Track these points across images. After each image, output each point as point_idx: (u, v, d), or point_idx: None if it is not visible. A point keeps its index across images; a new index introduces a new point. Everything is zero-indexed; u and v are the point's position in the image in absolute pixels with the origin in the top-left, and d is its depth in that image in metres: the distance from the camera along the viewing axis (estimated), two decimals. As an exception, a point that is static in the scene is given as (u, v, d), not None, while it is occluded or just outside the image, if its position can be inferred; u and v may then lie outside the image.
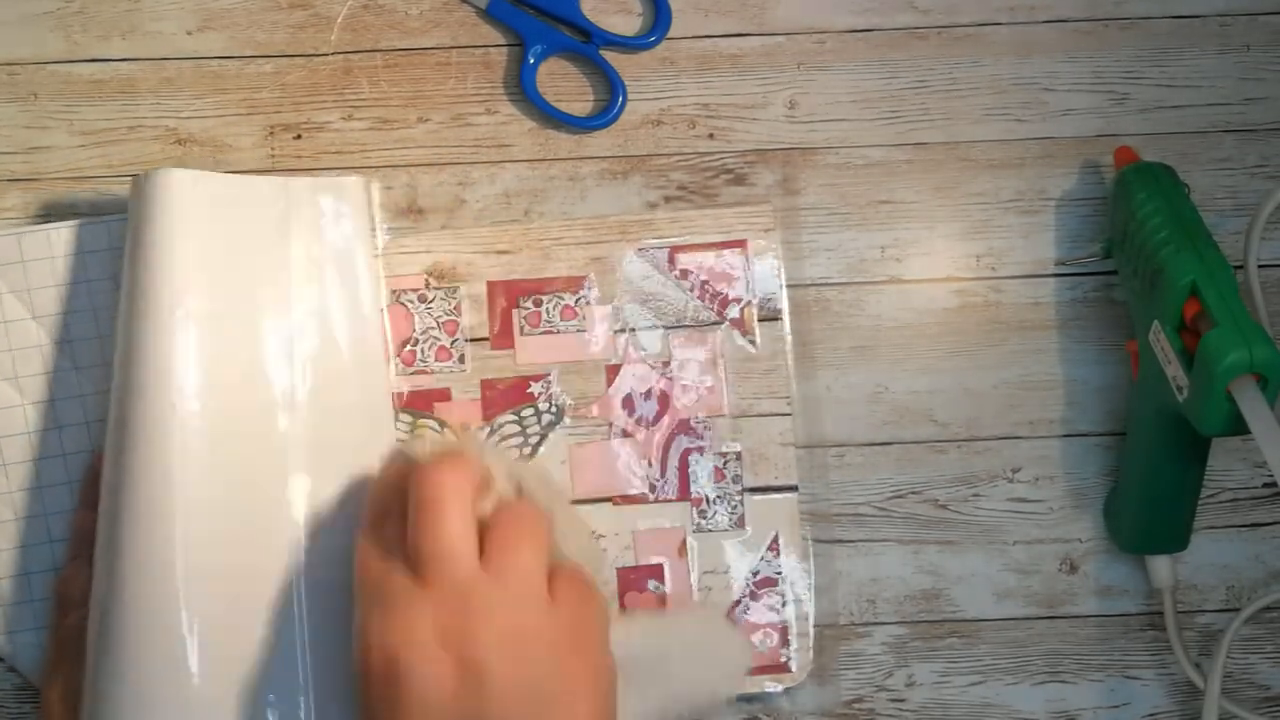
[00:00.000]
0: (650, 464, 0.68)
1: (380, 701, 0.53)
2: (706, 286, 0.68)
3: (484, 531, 0.55)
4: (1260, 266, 0.69)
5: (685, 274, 0.68)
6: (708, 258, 0.68)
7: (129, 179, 0.69)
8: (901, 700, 0.69)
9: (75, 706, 0.60)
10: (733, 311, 0.68)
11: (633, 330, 0.68)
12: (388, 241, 0.68)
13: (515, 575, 0.54)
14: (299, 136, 0.70)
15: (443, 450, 0.58)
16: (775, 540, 0.67)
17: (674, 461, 0.68)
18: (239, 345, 0.63)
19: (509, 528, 0.55)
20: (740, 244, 0.68)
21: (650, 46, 0.70)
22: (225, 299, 0.62)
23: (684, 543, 0.67)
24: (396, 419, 0.67)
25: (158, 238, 0.61)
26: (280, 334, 0.64)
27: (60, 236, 0.67)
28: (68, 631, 0.62)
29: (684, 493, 0.68)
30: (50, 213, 0.69)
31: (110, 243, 0.67)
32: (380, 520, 0.57)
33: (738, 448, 0.68)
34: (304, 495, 0.63)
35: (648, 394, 0.68)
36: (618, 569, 0.67)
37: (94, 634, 0.59)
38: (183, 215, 0.62)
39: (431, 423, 0.68)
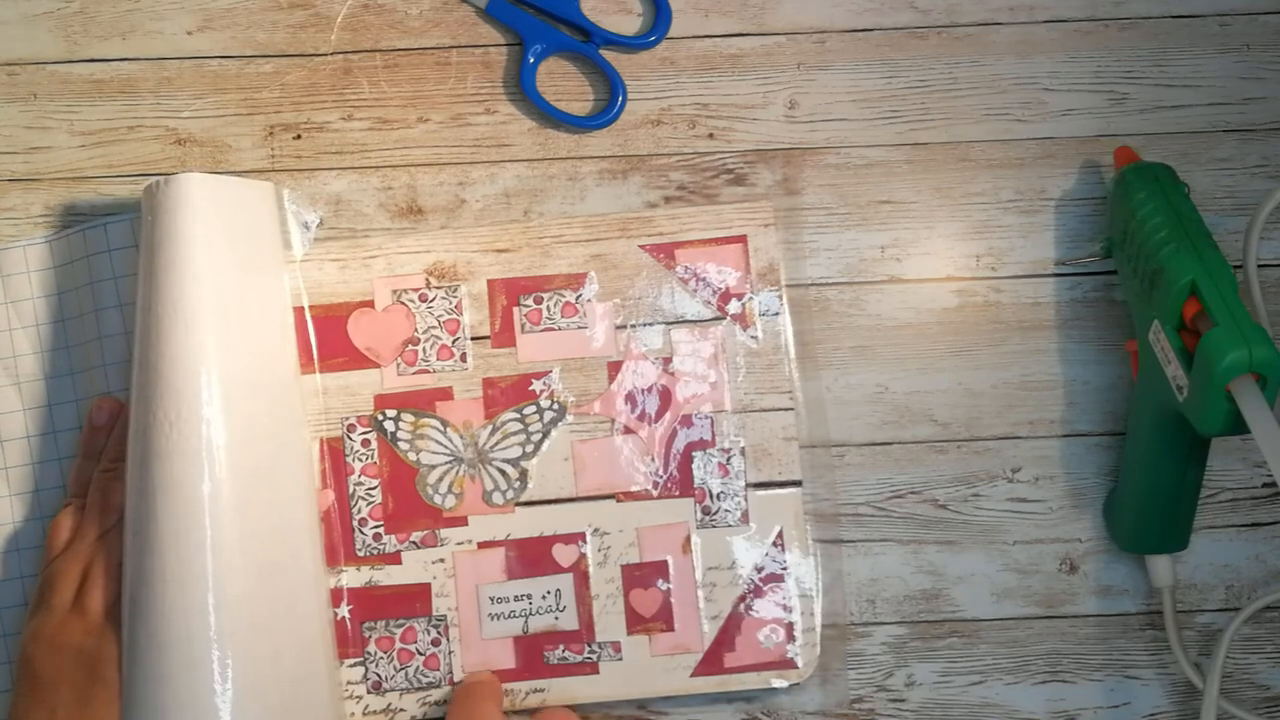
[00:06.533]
0: (653, 460, 0.68)
1: None
2: (707, 282, 0.68)
3: None
4: (1260, 266, 0.69)
5: (686, 270, 0.68)
6: (708, 253, 0.68)
7: (129, 179, 0.69)
8: (901, 700, 0.69)
9: (51, 644, 0.61)
10: (734, 307, 0.68)
11: (634, 326, 0.68)
12: (384, 241, 0.68)
13: None
14: (299, 136, 0.70)
15: None
16: (780, 536, 0.67)
17: (677, 457, 0.68)
18: (251, 341, 0.64)
19: None
20: (740, 240, 0.68)
21: (650, 46, 0.70)
22: (237, 294, 0.64)
23: (688, 539, 0.67)
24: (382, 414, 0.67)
25: (184, 238, 0.62)
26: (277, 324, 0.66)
27: (57, 247, 0.68)
28: (48, 574, 0.63)
29: (687, 489, 0.68)
30: (50, 213, 0.69)
31: (72, 254, 0.68)
32: None
33: (741, 443, 0.68)
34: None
35: (650, 390, 0.68)
36: (622, 566, 0.67)
37: (127, 633, 0.60)
38: (203, 216, 0.63)
39: (433, 421, 0.67)
